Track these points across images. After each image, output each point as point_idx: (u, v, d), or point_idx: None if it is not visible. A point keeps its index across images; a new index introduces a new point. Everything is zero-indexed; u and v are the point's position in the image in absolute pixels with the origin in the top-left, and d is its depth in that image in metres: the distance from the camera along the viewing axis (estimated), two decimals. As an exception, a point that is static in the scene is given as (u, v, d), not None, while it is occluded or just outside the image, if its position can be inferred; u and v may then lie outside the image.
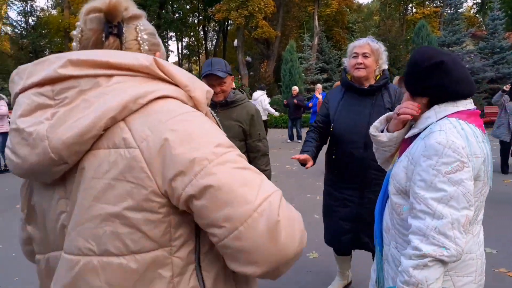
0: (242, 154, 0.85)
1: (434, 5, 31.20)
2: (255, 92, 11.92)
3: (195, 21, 37.10)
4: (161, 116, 0.81)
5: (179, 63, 39.12)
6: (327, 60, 22.08)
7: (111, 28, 0.89)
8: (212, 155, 0.78)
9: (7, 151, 0.85)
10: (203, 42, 38.82)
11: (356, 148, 2.46)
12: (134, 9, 0.94)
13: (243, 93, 2.70)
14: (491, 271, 3.35)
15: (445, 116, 1.40)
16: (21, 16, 29.66)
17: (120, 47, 0.91)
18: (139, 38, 0.94)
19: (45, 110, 0.81)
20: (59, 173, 0.82)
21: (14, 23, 29.51)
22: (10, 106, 7.37)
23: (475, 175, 1.34)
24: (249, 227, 0.75)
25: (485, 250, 3.71)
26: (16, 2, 29.53)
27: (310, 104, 11.68)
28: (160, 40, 1.02)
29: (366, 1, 39.68)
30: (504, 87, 6.83)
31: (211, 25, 38.20)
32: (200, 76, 2.60)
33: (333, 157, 2.60)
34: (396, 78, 7.14)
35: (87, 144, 0.79)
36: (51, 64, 0.83)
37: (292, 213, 0.82)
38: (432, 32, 18.89)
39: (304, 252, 3.68)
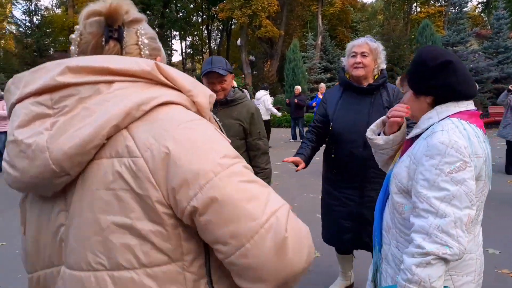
0: (248, 165, 0.83)
1: (439, 4, 31.08)
2: (258, 92, 11.92)
3: (199, 20, 37.18)
4: (165, 124, 0.78)
5: (183, 62, 39.19)
6: (330, 60, 22.05)
7: (112, 32, 0.87)
8: (218, 167, 0.75)
9: (4, 164, 0.81)
10: (207, 41, 38.88)
11: (356, 147, 2.46)
12: (135, 13, 0.91)
13: (242, 92, 2.70)
14: (493, 272, 3.34)
15: (447, 117, 1.41)
16: (26, 15, 29.77)
17: (121, 51, 0.88)
18: (139, 43, 0.91)
19: (44, 120, 0.78)
20: (60, 185, 0.79)
21: (19, 22, 29.60)
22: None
23: (477, 174, 1.35)
24: (256, 244, 0.73)
25: (487, 250, 3.72)
26: (21, 1, 29.67)
27: (314, 104, 11.66)
28: (160, 45, 1.00)
29: (370, 0, 39.64)
30: (510, 87, 6.79)
31: (215, 24, 38.23)
32: (201, 74, 2.61)
33: (332, 156, 2.60)
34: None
35: (89, 154, 0.76)
36: (49, 71, 0.80)
37: (300, 228, 0.80)
38: (437, 32, 18.82)
39: (305, 252, 3.72)
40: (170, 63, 36.97)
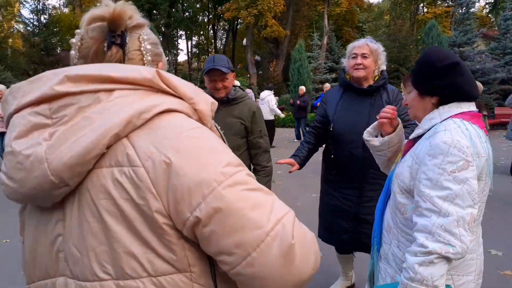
0: (251, 173, 0.82)
1: (446, 4, 30.88)
2: (263, 92, 11.92)
3: (205, 20, 37.25)
4: (166, 132, 0.77)
5: (189, 62, 39.27)
6: (336, 60, 21.95)
7: (114, 38, 0.84)
8: (221, 176, 0.74)
9: (1, 176, 0.79)
10: (213, 41, 38.95)
11: (356, 148, 2.47)
12: (138, 18, 0.90)
13: (243, 90, 2.70)
14: (496, 273, 3.33)
15: (449, 117, 1.42)
16: (34, 14, 29.97)
17: (123, 57, 0.87)
18: (142, 48, 0.89)
19: (43, 130, 0.76)
20: (59, 196, 0.78)
21: (27, 21, 29.83)
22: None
23: (478, 174, 1.36)
24: (262, 252, 0.72)
25: (490, 252, 3.71)
26: (29, 0, 29.92)
27: (318, 104, 11.63)
28: (162, 50, 0.98)
29: (377, 1, 39.48)
30: None
31: (221, 24, 38.29)
32: (202, 72, 2.62)
33: (332, 156, 2.61)
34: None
35: (89, 164, 0.74)
36: (48, 81, 0.78)
37: (306, 234, 0.79)
38: (443, 32, 18.70)
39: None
40: (176, 62, 37.08)
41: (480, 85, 5.10)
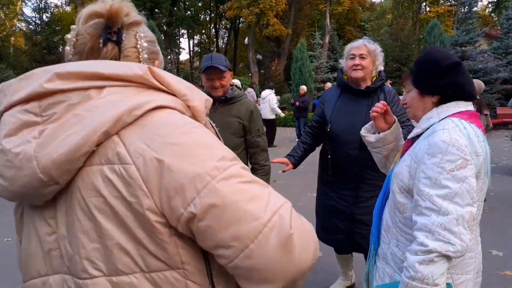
0: (246, 167, 0.80)
1: (448, 3, 30.80)
2: (264, 91, 11.92)
3: (207, 19, 37.27)
4: (158, 129, 0.75)
5: (191, 60, 39.30)
6: (338, 59, 21.86)
7: (110, 35, 0.84)
8: (215, 170, 0.73)
9: None
10: (215, 39, 38.97)
11: (353, 148, 2.48)
12: (135, 15, 0.89)
13: (240, 89, 2.71)
14: (497, 273, 3.33)
15: (447, 116, 1.44)
16: (36, 13, 30.09)
17: (119, 54, 0.86)
18: (138, 46, 0.89)
19: (32, 128, 0.76)
20: (50, 194, 0.77)
21: (29, 20, 29.94)
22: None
23: (476, 173, 1.36)
24: (260, 243, 0.71)
25: (491, 252, 3.70)
26: (31, -1, 29.97)
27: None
28: (159, 48, 0.97)
29: (379, 0, 39.35)
30: None
31: (223, 22, 38.30)
32: (200, 71, 2.62)
33: (329, 157, 2.63)
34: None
35: (79, 162, 0.74)
36: (38, 78, 0.77)
37: (304, 225, 0.78)
38: (446, 31, 18.64)
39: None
40: (178, 61, 37.10)
41: (481, 84, 5.09)
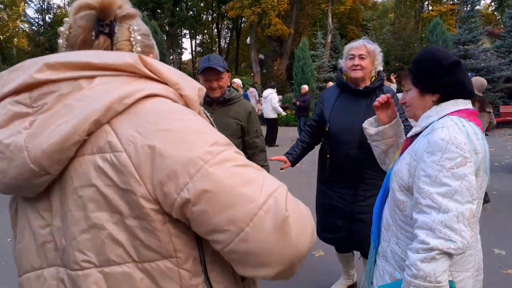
0: (240, 151, 0.79)
1: (451, 2, 30.71)
2: (265, 90, 11.93)
3: (209, 19, 37.27)
4: (149, 117, 0.75)
5: (193, 61, 39.34)
6: (340, 58, 21.85)
7: (102, 27, 0.83)
8: (207, 155, 0.72)
9: None
10: (217, 39, 38.98)
11: (352, 148, 2.49)
12: (128, 8, 0.88)
13: (237, 91, 2.74)
14: (499, 272, 3.32)
15: (446, 115, 1.44)
16: (38, 14, 30.20)
17: (111, 47, 0.85)
18: (132, 39, 0.87)
19: (23, 119, 0.75)
20: (42, 185, 0.76)
21: (32, 21, 30.06)
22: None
23: (476, 170, 1.37)
24: (256, 226, 0.70)
25: (493, 251, 3.69)
26: (34, 0, 30.10)
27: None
28: (154, 42, 0.96)
29: (381, -1, 39.26)
30: None
31: (225, 22, 38.31)
32: (198, 72, 2.63)
33: (328, 156, 2.63)
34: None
35: (70, 151, 0.73)
36: (27, 69, 0.77)
37: (300, 208, 0.77)
38: (448, 30, 18.59)
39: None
40: (180, 61, 37.16)
41: (484, 81, 5.08)
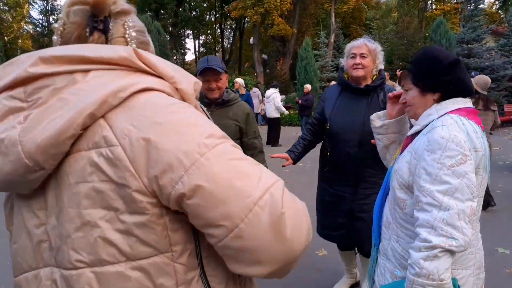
0: (237, 145, 0.78)
1: (455, 1, 30.58)
2: (268, 90, 11.94)
3: (212, 19, 37.30)
4: (144, 110, 0.74)
5: (196, 61, 39.35)
6: (343, 57, 21.80)
7: (97, 23, 0.82)
8: (203, 148, 0.71)
9: None
10: (220, 40, 39.00)
11: (352, 146, 2.50)
12: (123, 4, 0.87)
13: (235, 93, 2.75)
14: (503, 271, 3.31)
15: (446, 113, 1.45)
16: (42, 15, 30.35)
17: (106, 43, 0.84)
18: (127, 35, 0.86)
19: (18, 114, 0.74)
20: (36, 181, 0.75)
21: (36, 22, 30.20)
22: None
23: (476, 168, 1.37)
24: (251, 222, 0.69)
25: (497, 250, 3.68)
26: (38, 1, 30.25)
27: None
28: (149, 38, 0.95)
29: (385, -2, 39.14)
30: None
31: (228, 23, 38.31)
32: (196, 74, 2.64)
33: (328, 154, 2.64)
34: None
35: (64, 146, 0.72)
36: (22, 64, 0.76)
37: (296, 204, 0.75)
38: (452, 29, 18.50)
39: (312, 250, 3.72)
40: (183, 62, 37.22)
41: (488, 79, 5.06)
